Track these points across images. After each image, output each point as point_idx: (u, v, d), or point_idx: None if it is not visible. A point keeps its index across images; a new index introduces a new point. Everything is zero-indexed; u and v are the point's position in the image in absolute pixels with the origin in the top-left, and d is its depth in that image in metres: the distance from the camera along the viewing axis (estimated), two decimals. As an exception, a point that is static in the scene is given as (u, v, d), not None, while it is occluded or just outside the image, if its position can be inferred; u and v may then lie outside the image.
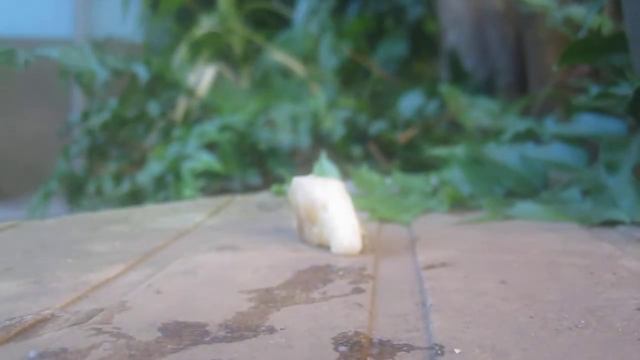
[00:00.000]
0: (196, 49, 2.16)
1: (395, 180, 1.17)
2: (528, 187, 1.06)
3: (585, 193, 0.98)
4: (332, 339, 0.46)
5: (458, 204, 1.04)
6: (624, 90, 1.04)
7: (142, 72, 1.87)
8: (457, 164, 1.16)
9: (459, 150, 1.20)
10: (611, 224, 0.86)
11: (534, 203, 0.95)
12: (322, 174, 1.03)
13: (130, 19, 2.25)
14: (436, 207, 1.01)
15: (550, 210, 0.91)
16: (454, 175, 1.13)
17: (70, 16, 3.61)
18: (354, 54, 2.18)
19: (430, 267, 0.66)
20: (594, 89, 1.13)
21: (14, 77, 1.79)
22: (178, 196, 1.61)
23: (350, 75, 2.20)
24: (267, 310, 0.53)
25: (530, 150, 1.16)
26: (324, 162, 1.07)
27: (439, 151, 1.26)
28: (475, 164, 1.15)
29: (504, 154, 1.15)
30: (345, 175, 1.18)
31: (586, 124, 1.13)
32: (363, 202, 1.04)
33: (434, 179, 1.17)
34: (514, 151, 1.17)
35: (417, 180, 1.15)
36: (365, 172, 1.20)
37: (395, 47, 2.28)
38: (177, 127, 1.93)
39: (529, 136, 1.20)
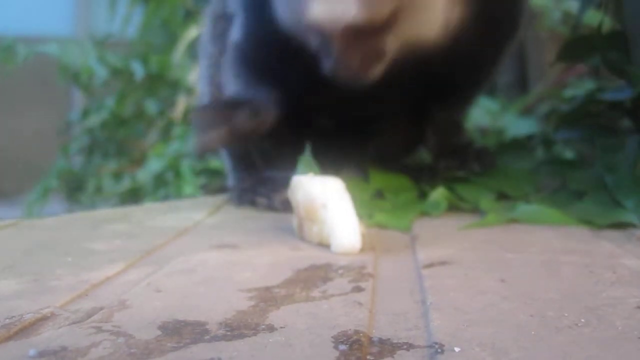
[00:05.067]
0: (196, 47, 2.16)
1: (376, 178, 1.12)
2: (518, 189, 1.04)
3: (580, 194, 0.97)
4: (332, 337, 0.46)
5: (452, 206, 1.01)
6: (614, 96, 1.04)
7: (137, 69, 1.87)
8: None
9: None
10: (620, 225, 0.85)
11: (537, 205, 0.93)
12: (305, 167, 1.01)
13: (129, 18, 2.25)
14: (431, 210, 0.98)
15: (555, 212, 0.89)
16: None
17: (71, 15, 3.60)
18: None
19: (430, 265, 0.67)
20: (589, 85, 1.12)
21: (12, 74, 1.79)
22: (178, 194, 1.61)
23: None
24: (266, 309, 0.53)
25: (521, 153, 1.16)
26: (307, 156, 1.04)
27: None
28: None
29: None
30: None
31: (576, 131, 1.12)
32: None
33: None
34: (503, 154, 1.16)
35: (400, 180, 1.11)
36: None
37: None
38: (177, 126, 1.93)
39: (517, 148, 1.19)
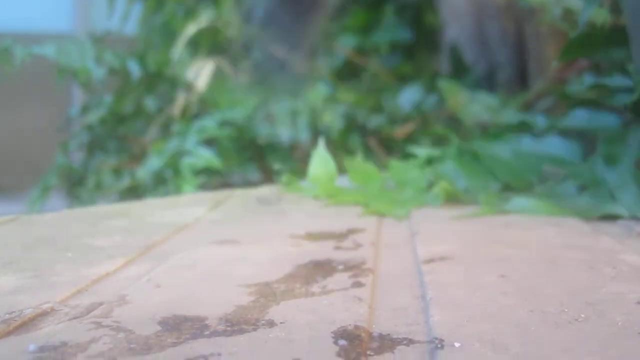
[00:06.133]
0: (195, 44, 2.15)
1: (393, 170, 1.16)
2: (523, 181, 1.05)
3: (582, 188, 0.98)
4: (332, 332, 0.46)
5: (453, 199, 1.03)
6: (619, 82, 1.03)
7: (134, 69, 1.87)
8: (451, 158, 1.15)
9: (439, 151, 1.20)
10: (611, 218, 0.86)
11: (531, 197, 0.95)
12: (319, 160, 1.03)
13: (129, 13, 2.24)
14: (431, 201, 1.01)
15: (547, 204, 0.91)
16: (449, 169, 1.13)
17: (70, 10, 3.60)
18: (352, 53, 2.17)
19: (430, 261, 0.66)
20: (588, 80, 1.12)
21: (10, 74, 1.79)
22: (177, 192, 1.61)
23: (348, 71, 2.19)
24: (266, 304, 0.53)
25: (525, 144, 1.16)
26: (322, 149, 1.08)
27: (419, 150, 1.24)
28: (470, 158, 1.14)
29: (497, 148, 1.15)
30: (342, 170, 1.18)
31: (581, 118, 1.12)
32: (357, 196, 1.04)
33: (429, 172, 1.16)
34: (508, 145, 1.16)
35: (413, 173, 1.14)
36: (360, 163, 1.19)
37: (397, 32, 2.27)
38: (176, 122, 1.93)
39: (522, 129, 1.19)
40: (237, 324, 0.48)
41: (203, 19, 2.14)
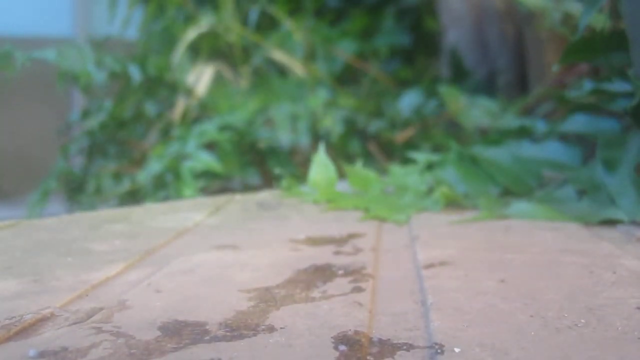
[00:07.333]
0: (195, 49, 2.16)
1: (393, 175, 1.17)
2: (522, 185, 1.06)
3: (581, 192, 0.98)
4: (332, 337, 0.46)
5: (453, 204, 1.03)
6: (618, 86, 1.04)
7: (135, 73, 1.87)
8: (451, 163, 1.16)
9: (437, 156, 1.21)
10: (611, 222, 0.86)
11: (530, 202, 0.95)
12: (320, 165, 1.04)
13: (130, 18, 2.25)
14: (431, 206, 1.01)
15: (546, 209, 0.91)
16: (449, 174, 1.13)
17: (70, 15, 3.60)
18: (351, 57, 2.18)
19: (430, 266, 0.66)
20: (588, 85, 1.13)
21: (11, 79, 1.79)
22: (178, 196, 1.61)
23: (348, 75, 2.20)
24: (266, 309, 0.53)
25: (524, 148, 1.16)
26: (322, 154, 1.08)
27: (419, 156, 1.25)
28: (470, 163, 1.14)
29: (497, 153, 1.15)
30: (342, 175, 1.18)
31: (580, 123, 1.12)
32: (357, 200, 1.04)
33: (429, 177, 1.16)
34: (508, 150, 1.17)
35: (413, 178, 1.15)
36: (360, 169, 1.19)
37: (397, 37, 2.28)
38: (176, 127, 1.93)
39: (522, 134, 1.20)
40: (237, 329, 0.48)
41: (203, 24, 2.15)
